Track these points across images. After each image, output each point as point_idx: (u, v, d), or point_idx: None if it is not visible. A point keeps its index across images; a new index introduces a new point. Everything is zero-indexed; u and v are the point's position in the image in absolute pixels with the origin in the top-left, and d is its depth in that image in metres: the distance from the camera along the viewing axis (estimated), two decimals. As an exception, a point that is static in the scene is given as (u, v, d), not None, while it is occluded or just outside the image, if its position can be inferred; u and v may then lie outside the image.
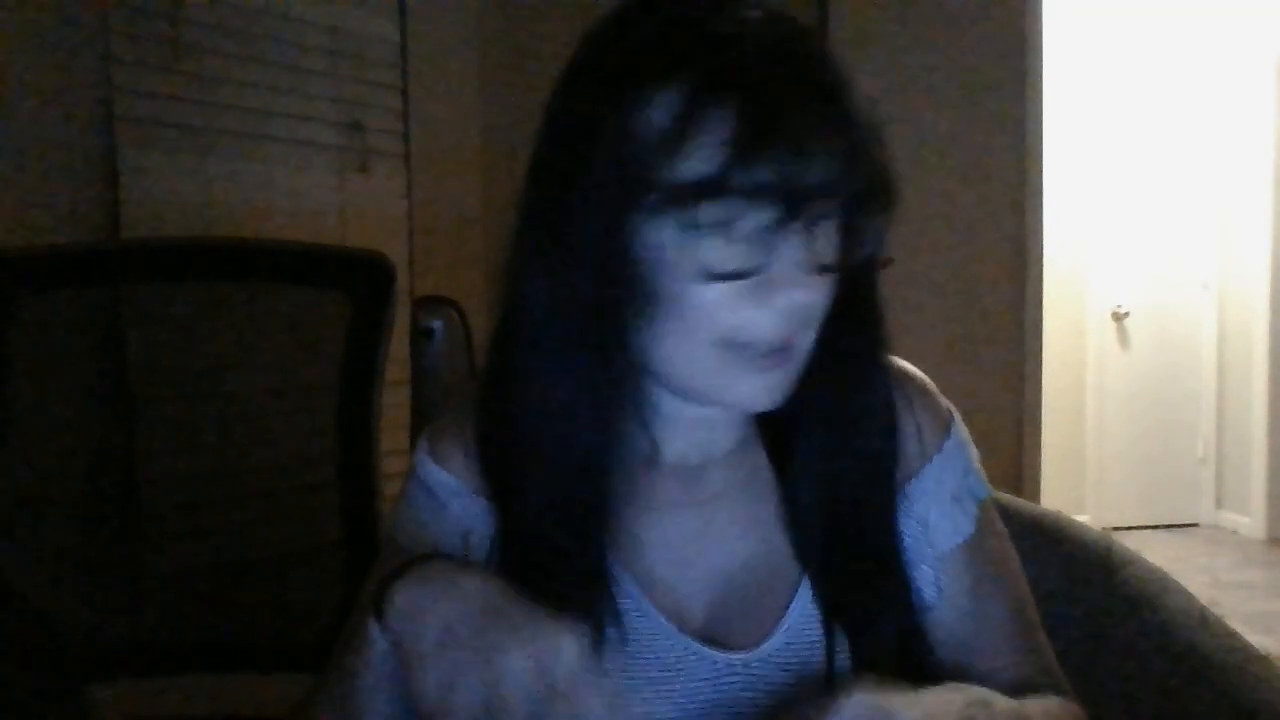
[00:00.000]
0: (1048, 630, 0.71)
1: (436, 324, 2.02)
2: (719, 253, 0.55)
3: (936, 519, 0.67)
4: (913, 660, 0.66)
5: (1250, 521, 4.51)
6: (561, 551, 0.62)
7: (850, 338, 0.63)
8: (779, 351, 0.58)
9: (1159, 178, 4.63)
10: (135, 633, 1.18)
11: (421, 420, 2.00)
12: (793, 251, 0.55)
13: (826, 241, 0.57)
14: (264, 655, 1.19)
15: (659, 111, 0.54)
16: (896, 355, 0.71)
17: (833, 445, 0.65)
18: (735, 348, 0.57)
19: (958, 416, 0.72)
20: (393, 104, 2.22)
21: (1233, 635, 0.80)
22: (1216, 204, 4.62)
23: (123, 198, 1.68)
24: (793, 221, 0.54)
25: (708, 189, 0.53)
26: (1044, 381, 2.92)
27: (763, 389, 0.59)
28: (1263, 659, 0.78)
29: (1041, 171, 2.87)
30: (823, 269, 0.57)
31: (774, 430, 0.67)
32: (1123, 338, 4.72)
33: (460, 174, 2.42)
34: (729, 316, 0.56)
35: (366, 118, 2.14)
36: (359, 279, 1.14)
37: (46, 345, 1.16)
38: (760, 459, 0.68)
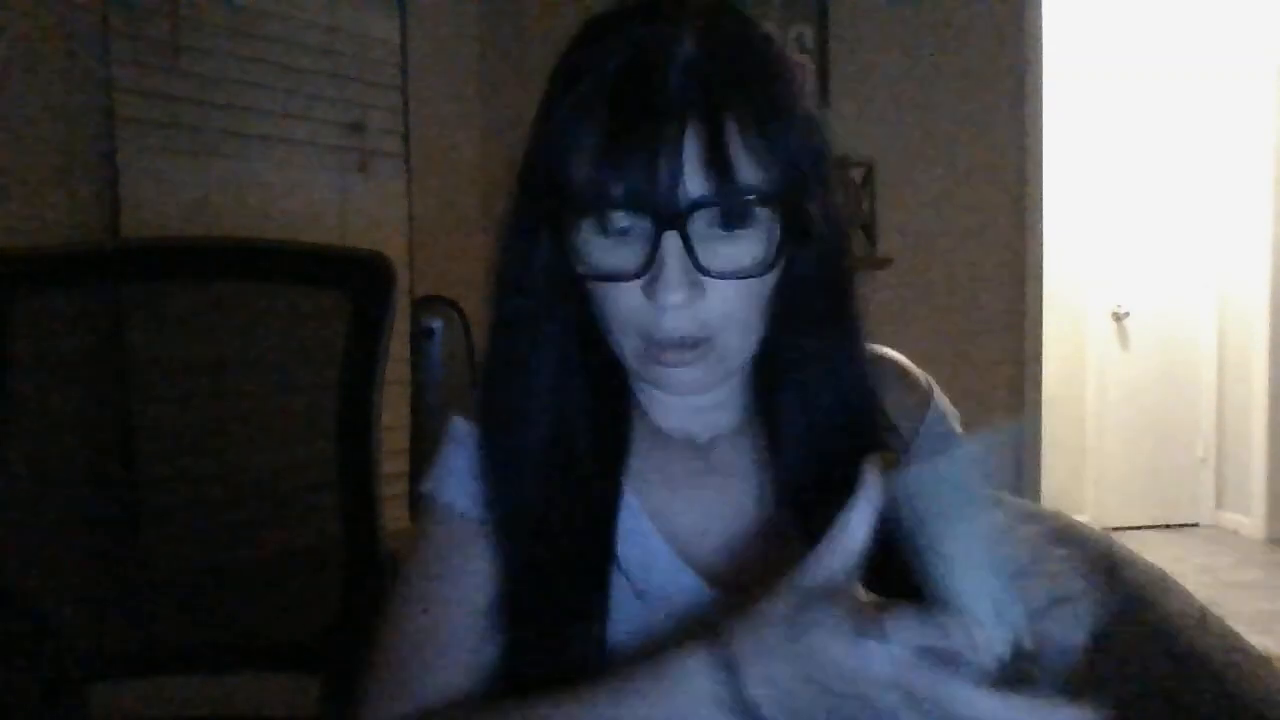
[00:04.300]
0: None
1: (436, 324, 2.02)
2: (611, 256, 0.60)
3: None
4: None
5: (1250, 521, 4.51)
6: (570, 529, 0.66)
7: (822, 329, 0.68)
8: (690, 348, 0.62)
9: (1159, 178, 4.63)
10: (135, 633, 1.18)
11: (421, 420, 2.00)
12: (674, 257, 0.59)
13: (717, 249, 0.60)
14: (264, 655, 1.19)
15: (552, 129, 0.61)
16: (886, 349, 0.76)
17: (815, 427, 0.69)
18: (652, 341, 0.62)
19: (936, 388, 0.77)
20: (393, 104, 2.22)
21: (1233, 635, 0.80)
22: (1217, 204, 4.62)
23: (123, 198, 1.68)
24: (664, 229, 0.58)
25: (579, 199, 0.59)
26: (1044, 381, 2.92)
27: (681, 380, 0.64)
28: (1263, 659, 0.78)
29: (1041, 172, 2.87)
30: (708, 273, 0.59)
31: (767, 411, 0.71)
32: (1123, 338, 4.72)
33: (460, 174, 2.42)
34: (640, 314, 0.61)
35: (366, 118, 2.15)
36: (359, 279, 1.14)
37: (46, 345, 1.16)
38: (762, 438, 0.72)
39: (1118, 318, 4.69)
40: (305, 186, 2.02)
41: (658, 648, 0.58)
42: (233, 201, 1.87)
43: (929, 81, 2.80)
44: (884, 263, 2.71)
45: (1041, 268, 2.88)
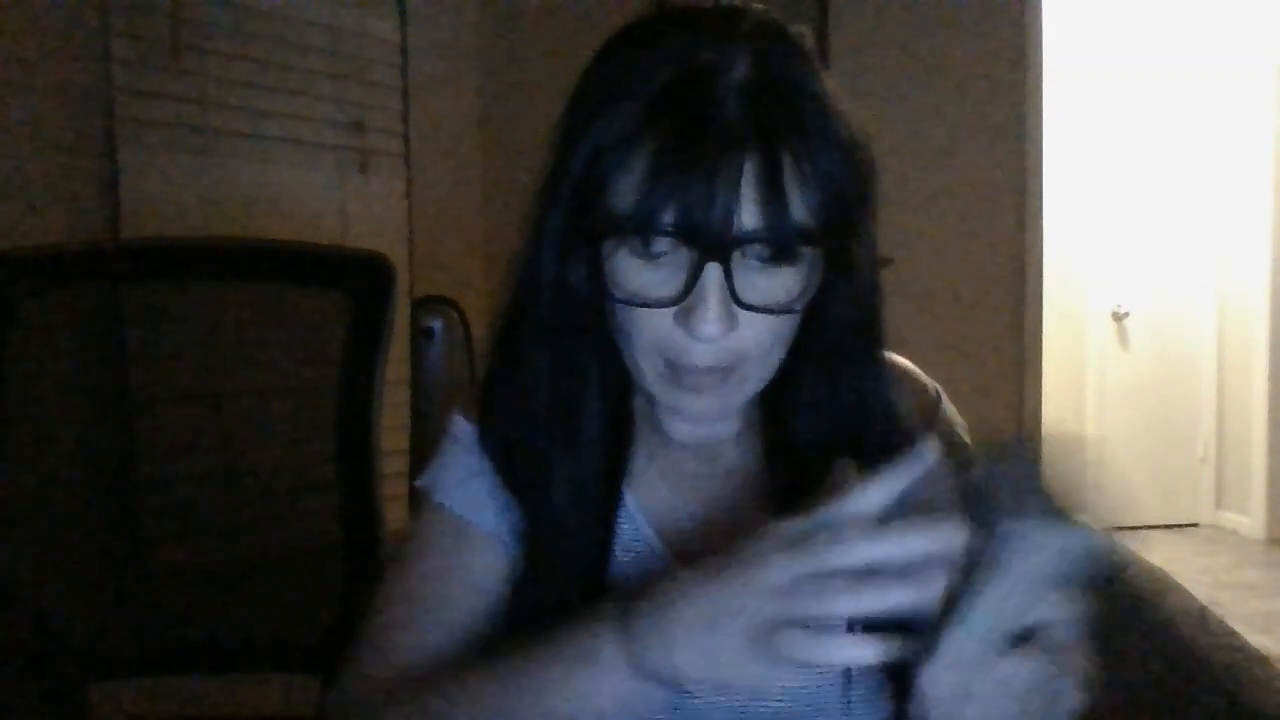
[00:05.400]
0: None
1: (436, 324, 2.02)
2: (646, 278, 0.58)
3: None
4: None
5: (1250, 521, 4.52)
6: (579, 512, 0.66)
7: (844, 337, 0.66)
8: (714, 376, 0.61)
9: (1159, 178, 4.63)
10: (135, 633, 1.18)
11: (421, 420, 2.00)
12: (714, 289, 0.56)
13: (755, 281, 0.58)
14: (264, 656, 1.19)
15: (591, 144, 0.58)
16: (892, 353, 0.73)
17: (827, 432, 0.67)
18: (675, 365, 0.60)
19: (944, 395, 0.76)
20: (393, 104, 2.22)
21: (1233, 635, 0.80)
22: (1217, 204, 4.62)
23: (123, 198, 1.68)
24: (709, 259, 0.56)
25: (623, 220, 0.57)
26: (1044, 381, 2.92)
27: (701, 410, 0.63)
28: (1263, 659, 0.78)
29: (1041, 172, 2.87)
30: (747, 307, 0.57)
31: (774, 415, 0.70)
32: (1123, 338, 4.72)
33: (460, 174, 2.42)
34: (669, 339, 0.59)
35: (366, 118, 2.15)
36: (359, 279, 1.14)
37: (46, 345, 1.16)
38: (768, 440, 0.71)
39: (1118, 318, 4.69)
40: (305, 186, 2.02)
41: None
42: (233, 201, 1.87)
43: (929, 81, 2.79)
44: (884, 262, 2.71)
45: (1041, 268, 2.88)
